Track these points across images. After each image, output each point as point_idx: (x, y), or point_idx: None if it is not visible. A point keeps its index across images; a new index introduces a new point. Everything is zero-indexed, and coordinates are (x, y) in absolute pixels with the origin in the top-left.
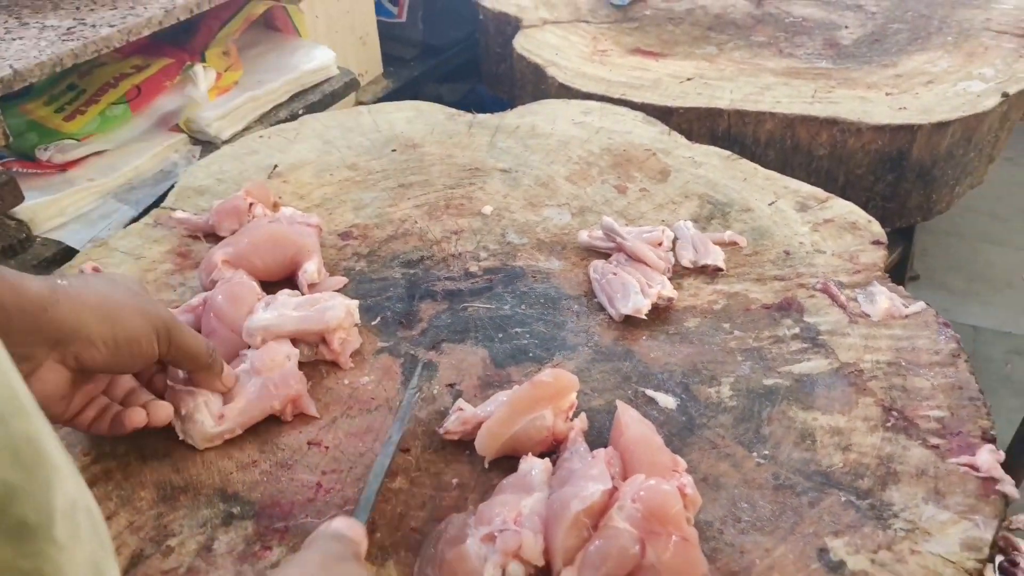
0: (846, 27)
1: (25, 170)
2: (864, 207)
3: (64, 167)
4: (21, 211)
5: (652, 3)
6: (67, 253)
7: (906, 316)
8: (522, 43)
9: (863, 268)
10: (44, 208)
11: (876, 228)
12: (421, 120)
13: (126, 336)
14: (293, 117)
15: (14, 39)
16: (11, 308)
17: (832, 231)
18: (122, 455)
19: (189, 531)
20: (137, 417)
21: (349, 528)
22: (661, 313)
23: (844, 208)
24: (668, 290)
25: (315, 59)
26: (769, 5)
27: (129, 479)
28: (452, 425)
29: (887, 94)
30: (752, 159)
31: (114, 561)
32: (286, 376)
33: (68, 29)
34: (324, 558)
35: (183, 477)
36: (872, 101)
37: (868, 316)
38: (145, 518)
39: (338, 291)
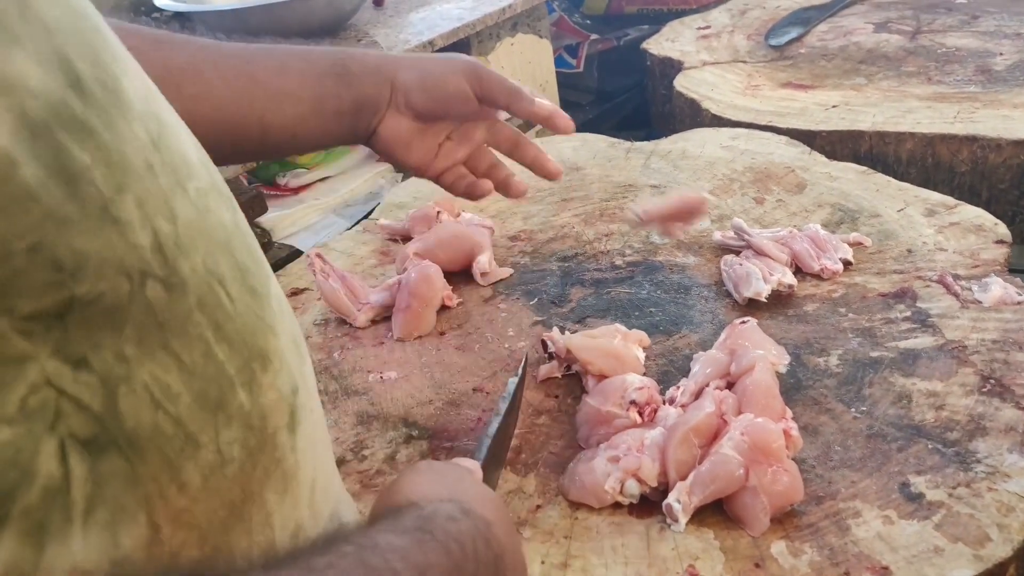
0: (1001, 54)
1: (268, 192)
2: (1010, 221)
3: (297, 190)
4: (264, 221)
5: (808, 42)
6: (297, 255)
7: (1018, 303)
8: (682, 82)
9: (982, 263)
10: (281, 220)
11: (1002, 230)
12: (585, 148)
13: (437, 83)
14: None
15: None
16: (358, 71)
17: (956, 232)
18: (332, 392)
19: (379, 445)
20: (486, 187)
21: (469, 462)
22: (783, 299)
23: (972, 213)
24: (788, 278)
25: None
26: (923, 38)
27: (337, 408)
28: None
29: None
30: (894, 177)
31: (305, 348)
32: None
33: None
34: (451, 470)
35: (376, 408)
36: (1015, 119)
37: (980, 303)
38: (347, 435)
39: (503, 280)
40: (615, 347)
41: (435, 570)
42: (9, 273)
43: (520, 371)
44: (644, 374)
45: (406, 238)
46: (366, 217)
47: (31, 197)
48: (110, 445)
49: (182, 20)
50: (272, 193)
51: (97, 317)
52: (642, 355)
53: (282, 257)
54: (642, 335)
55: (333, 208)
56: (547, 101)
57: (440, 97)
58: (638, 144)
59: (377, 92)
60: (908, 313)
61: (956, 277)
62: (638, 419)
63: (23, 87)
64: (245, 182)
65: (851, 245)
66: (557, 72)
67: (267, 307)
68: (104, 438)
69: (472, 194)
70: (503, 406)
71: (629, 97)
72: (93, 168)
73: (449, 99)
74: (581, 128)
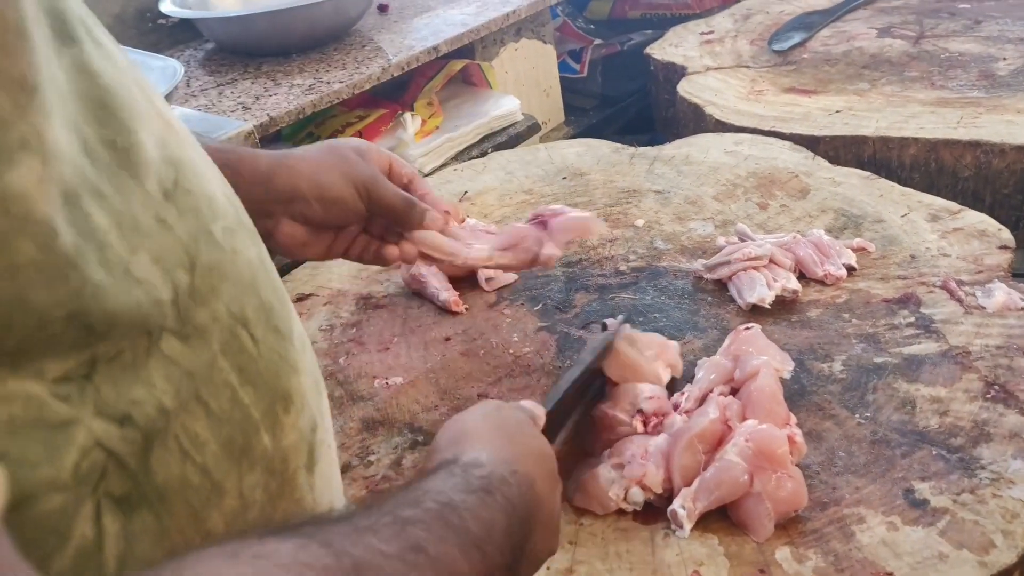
0: (1004, 59)
1: None
2: (1014, 227)
3: None
4: None
5: (811, 47)
6: (302, 260)
7: (1022, 308)
8: (685, 87)
9: (986, 269)
10: None
11: (1006, 235)
12: (589, 153)
13: (332, 196)
14: (482, 154)
15: (271, 95)
16: (248, 178)
17: (960, 237)
18: (338, 397)
19: (384, 451)
20: (391, 252)
21: (534, 407)
22: (787, 304)
23: (976, 219)
24: (792, 283)
25: (502, 106)
26: (926, 43)
27: (342, 414)
28: None
29: None
30: (898, 182)
31: (323, 383)
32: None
33: (309, 86)
34: (513, 420)
35: (382, 414)
36: (1018, 124)
37: (983, 308)
38: (353, 441)
39: (508, 285)
40: (636, 359)
41: (497, 527)
42: (43, 339)
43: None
44: None
45: None
46: None
47: (70, 265)
48: (141, 502)
49: (188, 26)
50: None
51: (119, 374)
52: (666, 375)
53: (287, 263)
54: (675, 357)
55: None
56: (437, 216)
57: (335, 212)
58: (642, 149)
59: (266, 200)
60: (912, 319)
61: (960, 283)
62: (641, 428)
63: (60, 156)
64: None
65: (855, 251)
66: (561, 77)
67: (290, 346)
68: (136, 495)
69: (381, 261)
70: (587, 357)
71: (633, 102)
72: (110, 231)
73: (344, 214)
74: (585, 133)
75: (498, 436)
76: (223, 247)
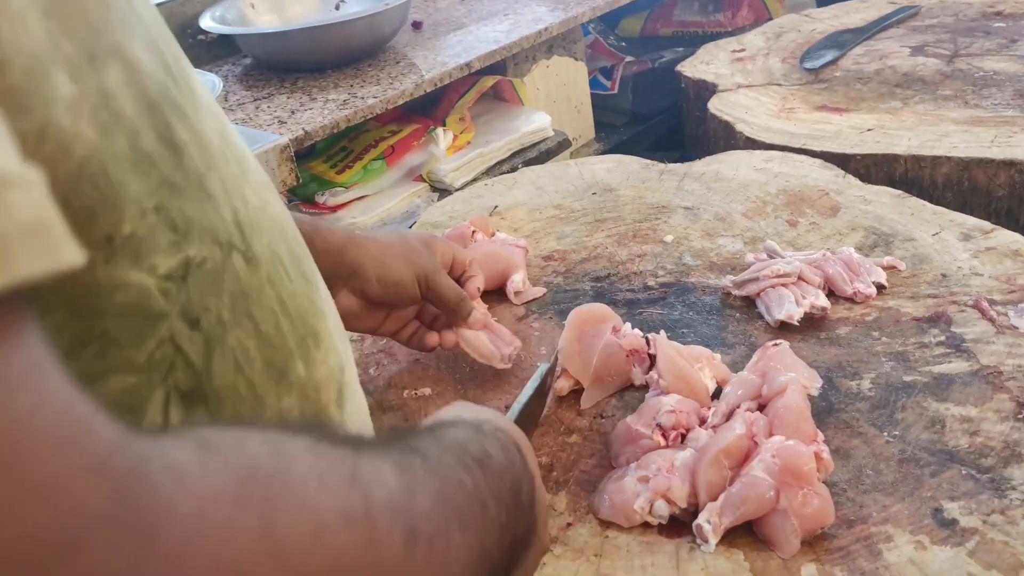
0: None
1: (307, 210)
2: None
3: (335, 208)
4: None
5: (843, 65)
6: None
7: None
8: (716, 104)
9: (1019, 289)
10: None
11: None
12: (619, 169)
13: (392, 279)
14: (513, 169)
15: (306, 110)
16: (321, 249)
17: (992, 257)
18: (367, 407)
19: None
20: (432, 340)
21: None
22: (816, 322)
23: (1009, 238)
24: (821, 300)
25: (534, 122)
26: (960, 62)
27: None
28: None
29: None
30: (930, 201)
31: (346, 335)
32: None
33: (344, 101)
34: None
35: (411, 425)
36: None
37: (1016, 328)
38: None
39: (536, 299)
40: (691, 373)
41: (493, 459)
42: (147, 230)
43: (552, 360)
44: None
45: None
46: None
47: (151, 162)
48: (201, 399)
49: (226, 42)
50: (311, 211)
51: (204, 281)
52: (712, 385)
53: None
54: (723, 369)
55: (370, 226)
56: (480, 318)
57: (392, 294)
58: (672, 166)
59: (332, 272)
60: (942, 338)
61: (992, 302)
62: (662, 442)
63: (140, 68)
64: (285, 200)
65: (885, 269)
66: (592, 94)
67: (317, 292)
68: (198, 392)
69: (422, 346)
70: (528, 387)
71: (663, 119)
72: (191, 144)
73: (400, 297)
74: (615, 150)
75: (476, 411)
76: (258, 195)
